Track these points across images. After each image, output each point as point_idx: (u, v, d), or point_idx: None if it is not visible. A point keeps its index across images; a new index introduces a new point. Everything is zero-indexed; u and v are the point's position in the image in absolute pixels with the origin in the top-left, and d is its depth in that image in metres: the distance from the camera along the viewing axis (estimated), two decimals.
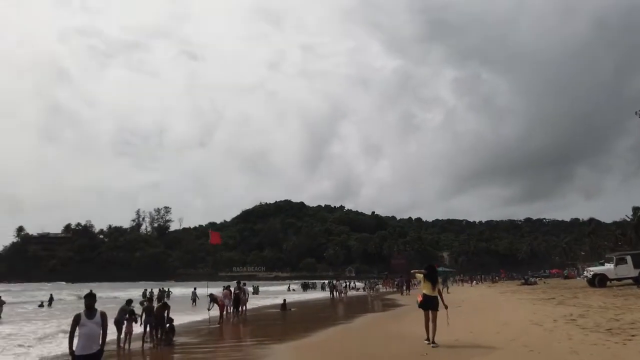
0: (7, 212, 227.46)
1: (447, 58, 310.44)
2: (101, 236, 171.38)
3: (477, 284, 60.10)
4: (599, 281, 25.40)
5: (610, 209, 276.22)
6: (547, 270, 79.51)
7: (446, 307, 9.54)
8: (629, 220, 79.63)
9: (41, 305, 32.77)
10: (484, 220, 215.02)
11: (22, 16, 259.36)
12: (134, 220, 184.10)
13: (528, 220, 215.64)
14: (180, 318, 20.17)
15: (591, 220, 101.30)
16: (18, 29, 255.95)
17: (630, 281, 25.33)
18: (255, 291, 46.67)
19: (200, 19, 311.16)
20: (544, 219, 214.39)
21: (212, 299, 19.74)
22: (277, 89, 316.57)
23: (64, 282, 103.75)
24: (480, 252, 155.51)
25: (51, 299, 33.61)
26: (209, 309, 19.31)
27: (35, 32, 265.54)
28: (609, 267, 26.28)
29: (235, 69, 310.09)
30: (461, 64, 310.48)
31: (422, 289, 9.58)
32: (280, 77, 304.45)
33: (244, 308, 23.28)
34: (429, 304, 9.37)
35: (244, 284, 24.76)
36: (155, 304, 14.02)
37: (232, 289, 23.53)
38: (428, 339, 9.36)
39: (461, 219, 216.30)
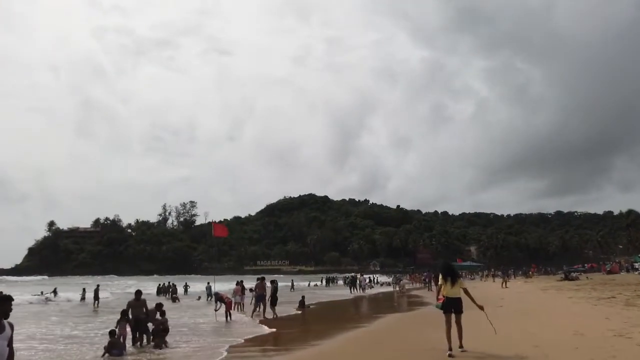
0: (42, 206, 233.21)
1: (478, 47, 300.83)
2: (129, 230, 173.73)
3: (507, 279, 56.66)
4: None
5: None
6: (585, 265, 75.26)
7: (481, 308, 8.04)
8: None
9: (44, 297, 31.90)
10: (512, 213, 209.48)
11: (57, 17, 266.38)
12: (160, 215, 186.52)
13: (559, 213, 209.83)
14: (187, 318, 18.41)
15: (630, 212, 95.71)
16: (54, 29, 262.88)
17: None
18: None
19: (226, 15, 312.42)
20: (575, 212, 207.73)
21: (217, 298, 17.70)
22: (305, 83, 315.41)
23: (114, 275, 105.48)
24: (509, 246, 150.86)
25: (55, 292, 32.72)
26: (216, 310, 17.17)
27: (70, 32, 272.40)
28: None
29: (263, 64, 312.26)
30: (494, 53, 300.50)
31: (442, 290, 8.09)
32: (308, 70, 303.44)
33: (242, 305, 21.29)
34: (451, 306, 7.93)
35: (263, 279, 22.75)
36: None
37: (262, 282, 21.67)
38: (451, 350, 7.69)
39: (489, 212, 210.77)
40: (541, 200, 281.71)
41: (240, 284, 22.13)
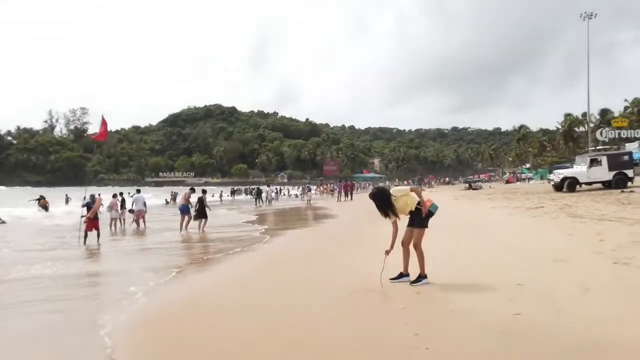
0: None
1: None
2: (9, 138, 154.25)
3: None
4: (569, 185, 22.78)
5: (539, 119, 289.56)
6: (480, 175, 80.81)
7: (387, 252, 5.84)
8: (559, 127, 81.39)
9: None
10: (413, 128, 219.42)
11: None
12: (46, 122, 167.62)
13: (454, 128, 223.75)
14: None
15: (521, 127, 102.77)
16: None
17: (599, 185, 23.17)
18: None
19: None
20: (469, 128, 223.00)
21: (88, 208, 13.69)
22: None
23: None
24: (409, 159, 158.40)
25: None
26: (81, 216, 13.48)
27: None
28: (580, 169, 23.63)
29: None
30: None
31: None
32: None
33: (122, 221, 18.10)
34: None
35: (138, 191, 19.49)
36: None
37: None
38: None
39: (392, 127, 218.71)
40: (442, 116, 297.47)
41: (118, 196, 18.77)
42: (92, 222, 13.22)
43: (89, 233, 13.15)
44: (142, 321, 5.06)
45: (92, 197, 14.23)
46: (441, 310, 4.59)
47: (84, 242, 12.88)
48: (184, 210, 16.22)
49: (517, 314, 4.26)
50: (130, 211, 18.95)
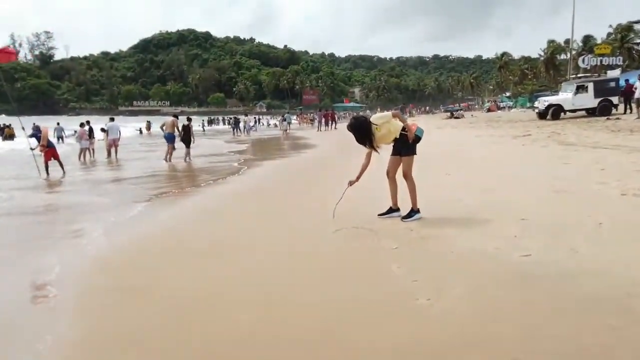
0: None
1: None
2: None
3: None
4: (554, 113, 22.30)
5: (522, 47, 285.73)
6: (460, 104, 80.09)
7: (350, 183, 5.45)
8: (541, 55, 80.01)
9: None
10: (394, 56, 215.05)
11: None
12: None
13: (435, 57, 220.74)
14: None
15: (504, 54, 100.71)
16: None
17: (582, 113, 22.75)
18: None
19: None
20: (450, 56, 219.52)
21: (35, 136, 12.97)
22: None
23: None
24: (390, 88, 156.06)
25: None
26: (32, 148, 12.46)
27: None
28: (565, 96, 23.06)
29: None
30: None
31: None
32: None
33: (91, 151, 17.44)
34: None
35: (112, 119, 18.31)
36: None
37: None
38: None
39: (373, 55, 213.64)
40: (423, 44, 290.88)
41: (86, 125, 17.60)
42: (50, 151, 12.39)
43: (49, 163, 12.32)
44: (98, 266, 4.40)
45: (37, 127, 13.41)
46: (439, 250, 4.04)
47: (46, 173, 12.04)
48: (170, 138, 15.36)
49: (527, 255, 3.73)
50: (102, 130, 18.37)
